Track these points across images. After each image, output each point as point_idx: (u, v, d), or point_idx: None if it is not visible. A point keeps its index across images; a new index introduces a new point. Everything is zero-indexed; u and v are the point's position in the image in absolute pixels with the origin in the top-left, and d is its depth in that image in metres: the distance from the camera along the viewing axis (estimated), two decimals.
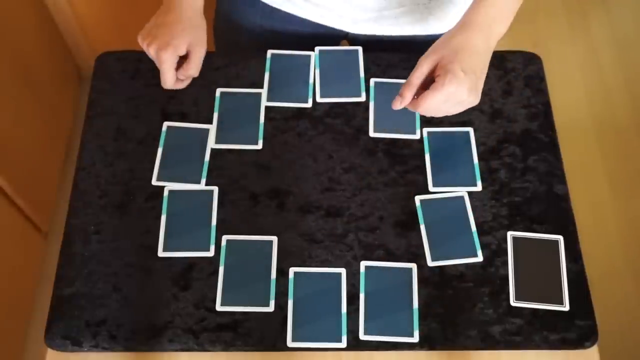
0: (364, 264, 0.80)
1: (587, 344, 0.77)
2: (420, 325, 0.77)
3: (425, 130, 0.89)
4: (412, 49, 0.98)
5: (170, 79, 0.87)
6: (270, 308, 0.77)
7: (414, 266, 0.80)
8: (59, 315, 0.78)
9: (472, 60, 0.76)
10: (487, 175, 0.87)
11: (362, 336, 0.76)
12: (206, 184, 0.85)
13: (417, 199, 0.84)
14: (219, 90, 0.92)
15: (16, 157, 1.40)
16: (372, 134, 0.89)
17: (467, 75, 0.75)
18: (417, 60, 0.77)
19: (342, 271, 0.80)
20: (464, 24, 0.79)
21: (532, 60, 0.97)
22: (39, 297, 1.52)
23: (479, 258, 0.81)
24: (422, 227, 0.82)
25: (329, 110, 0.91)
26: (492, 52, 0.79)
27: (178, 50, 0.85)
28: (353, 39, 1.02)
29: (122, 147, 0.88)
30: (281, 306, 0.78)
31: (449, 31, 0.79)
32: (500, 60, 0.96)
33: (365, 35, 0.99)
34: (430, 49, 0.79)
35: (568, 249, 0.82)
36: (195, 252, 0.81)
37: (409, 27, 0.97)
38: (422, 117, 0.90)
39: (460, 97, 0.76)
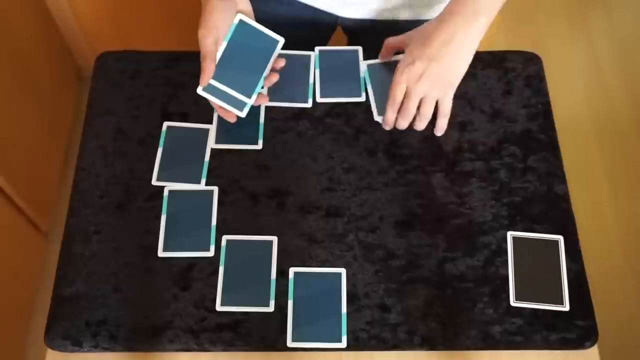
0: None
1: (587, 344, 0.77)
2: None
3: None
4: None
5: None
6: (270, 308, 0.77)
7: (343, 271, 0.80)
8: (59, 315, 0.78)
9: (435, 49, 0.77)
10: (487, 175, 0.87)
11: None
12: (206, 184, 0.85)
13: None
14: None
15: (16, 157, 1.40)
16: (376, 116, 0.89)
17: (419, 62, 0.77)
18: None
19: (342, 271, 0.80)
20: (445, 13, 0.79)
21: (532, 60, 0.97)
22: (39, 297, 1.52)
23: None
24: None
25: (329, 110, 0.91)
26: (475, 43, 0.79)
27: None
28: (343, 25, 1.01)
29: (122, 147, 0.88)
30: (281, 306, 0.78)
31: (433, 19, 0.80)
32: (500, 60, 0.96)
33: (354, 20, 0.99)
34: (408, 32, 0.81)
35: (568, 249, 0.82)
36: (195, 252, 0.81)
37: (397, 11, 0.97)
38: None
39: (412, 82, 0.78)
